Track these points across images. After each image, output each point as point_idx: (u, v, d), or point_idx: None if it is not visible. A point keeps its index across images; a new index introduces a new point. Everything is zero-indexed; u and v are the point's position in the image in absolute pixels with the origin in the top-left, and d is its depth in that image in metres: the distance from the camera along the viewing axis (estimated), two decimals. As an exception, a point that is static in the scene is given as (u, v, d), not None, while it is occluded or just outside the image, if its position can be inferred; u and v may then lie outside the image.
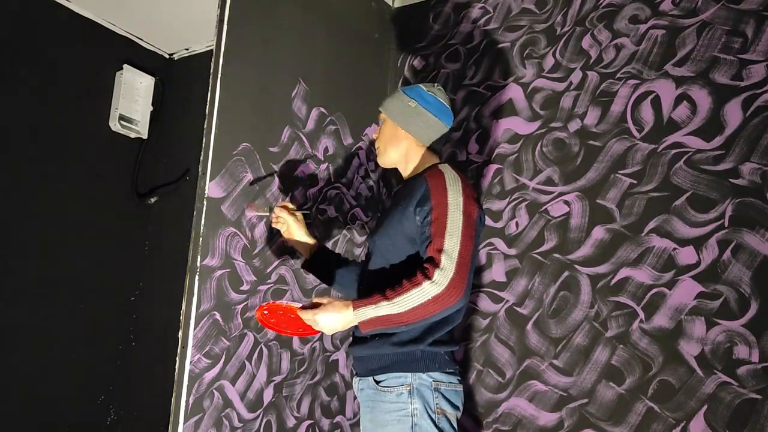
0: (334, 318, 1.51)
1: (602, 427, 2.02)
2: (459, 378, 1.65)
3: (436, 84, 1.78)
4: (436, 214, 1.51)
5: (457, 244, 1.47)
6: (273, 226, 1.93)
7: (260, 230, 2.07)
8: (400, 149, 1.75)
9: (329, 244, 2.36)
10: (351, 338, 1.71)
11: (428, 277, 1.44)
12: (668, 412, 1.93)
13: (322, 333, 1.63)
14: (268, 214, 1.99)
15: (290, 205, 1.92)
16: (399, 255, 1.61)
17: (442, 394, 1.56)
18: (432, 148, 1.76)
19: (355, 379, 1.69)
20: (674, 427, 1.91)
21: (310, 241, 1.91)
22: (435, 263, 1.45)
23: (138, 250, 3.00)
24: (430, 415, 1.53)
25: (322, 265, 1.92)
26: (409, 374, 1.55)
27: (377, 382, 1.58)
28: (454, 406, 1.59)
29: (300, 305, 1.56)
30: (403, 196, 1.65)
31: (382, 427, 1.55)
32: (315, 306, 1.54)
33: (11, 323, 2.45)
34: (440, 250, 1.46)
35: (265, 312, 1.60)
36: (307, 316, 1.53)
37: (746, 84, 1.99)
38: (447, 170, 1.62)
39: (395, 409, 1.54)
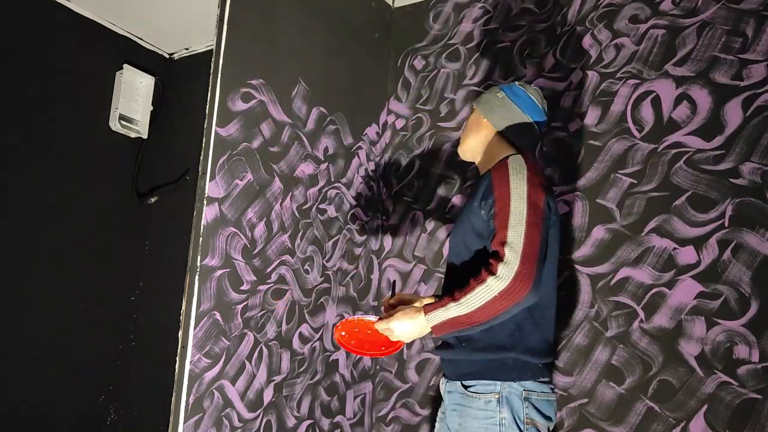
0: (409, 325, 1.46)
1: (602, 427, 2.02)
2: (552, 386, 1.59)
3: (534, 85, 1.73)
4: (499, 206, 1.44)
5: (521, 234, 1.39)
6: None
7: (260, 230, 2.08)
8: (479, 137, 1.69)
9: (329, 244, 2.36)
10: (440, 341, 1.65)
11: (492, 273, 1.37)
12: (668, 412, 1.93)
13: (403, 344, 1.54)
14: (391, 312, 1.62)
15: (388, 297, 1.76)
16: (470, 253, 1.55)
17: (533, 404, 1.50)
18: (513, 142, 1.67)
19: (442, 380, 1.66)
20: (674, 427, 1.91)
21: (419, 301, 1.75)
22: (499, 257, 1.39)
23: (138, 250, 3.00)
24: (518, 425, 1.47)
25: None
26: (499, 383, 1.49)
27: (465, 387, 1.53)
28: (545, 417, 1.52)
29: (375, 318, 1.50)
30: (472, 193, 1.61)
31: None
32: (390, 316, 1.49)
33: (11, 323, 2.45)
34: (503, 243, 1.39)
35: (343, 333, 1.53)
36: (382, 326, 1.49)
37: (746, 84, 1.99)
38: (514, 159, 1.53)
39: (483, 417, 1.48)
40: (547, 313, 1.55)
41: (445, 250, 2.41)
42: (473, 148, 1.72)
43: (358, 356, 2.46)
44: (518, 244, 1.38)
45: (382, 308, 1.73)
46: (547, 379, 1.56)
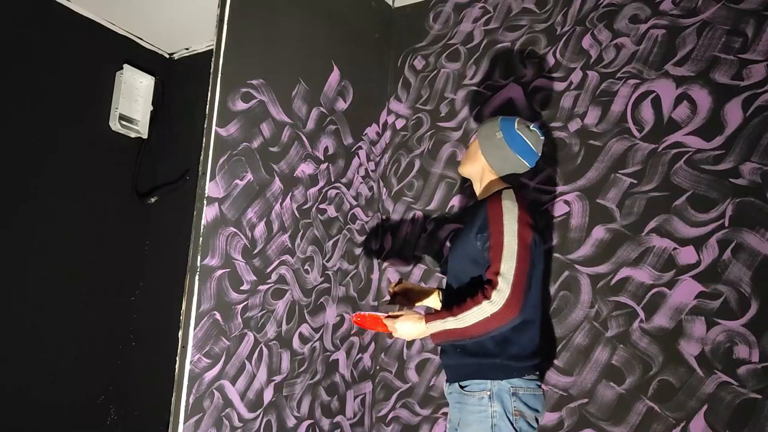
0: (410, 327, 1.73)
1: (602, 427, 2.02)
2: (539, 383, 1.78)
3: (533, 123, 1.90)
4: (494, 241, 1.68)
5: (512, 267, 1.64)
6: (400, 309, 1.99)
7: (260, 230, 2.07)
8: (476, 168, 1.92)
9: (329, 244, 2.36)
10: (440, 348, 1.89)
11: (486, 297, 1.62)
12: (668, 412, 1.93)
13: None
14: (399, 312, 1.91)
15: (393, 284, 2.05)
16: (466, 274, 1.79)
17: (520, 399, 1.71)
18: (505, 177, 1.91)
19: (446, 385, 1.87)
20: (674, 427, 1.91)
21: (435, 296, 2.08)
22: (493, 285, 1.63)
23: (138, 250, 3.00)
24: (508, 417, 1.69)
25: None
26: (489, 381, 1.71)
27: (462, 387, 1.75)
28: (532, 409, 1.73)
29: (385, 315, 1.80)
30: (470, 220, 1.83)
31: (467, 426, 1.72)
32: (396, 317, 1.78)
33: (12, 323, 2.45)
34: (497, 273, 1.64)
35: (357, 320, 1.87)
36: (389, 323, 1.77)
37: (746, 84, 1.99)
38: (507, 197, 1.75)
39: (478, 411, 1.70)
40: (532, 326, 1.76)
41: (445, 251, 2.42)
42: (470, 174, 1.95)
43: (358, 357, 2.48)
44: (510, 275, 1.63)
45: (387, 294, 2.07)
46: (533, 376, 1.76)
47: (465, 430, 1.73)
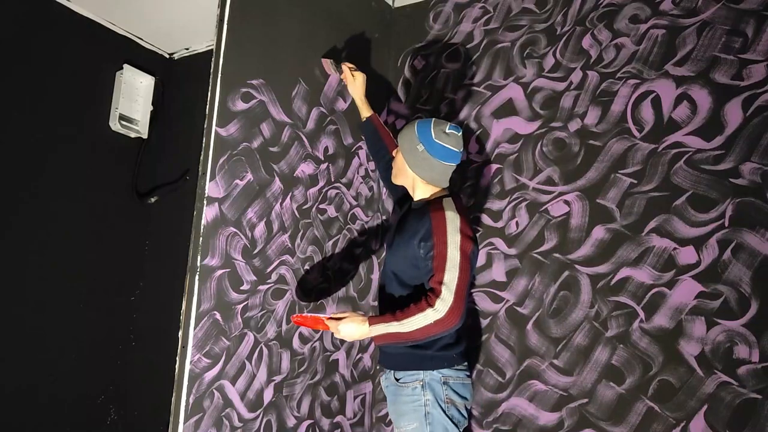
0: (353, 329, 1.80)
1: (602, 427, 2.02)
2: (467, 373, 1.92)
3: (449, 126, 1.90)
4: (437, 251, 1.76)
5: (455, 277, 1.73)
6: (342, 78, 2.35)
7: (260, 230, 2.07)
8: (408, 180, 1.99)
9: (329, 244, 2.36)
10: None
11: (431, 305, 1.72)
12: (668, 412, 1.93)
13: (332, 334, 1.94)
14: (336, 73, 2.35)
15: (354, 67, 2.32)
16: (406, 276, 1.89)
17: (451, 387, 1.84)
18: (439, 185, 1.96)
19: (382, 374, 2.00)
20: (674, 427, 1.91)
21: (368, 112, 2.32)
22: (436, 294, 1.73)
23: (138, 250, 3.00)
24: (440, 405, 1.82)
25: (368, 133, 2.34)
26: (422, 372, 1.84)
27: (397, 379, 1.89)
28: (462, 397, 1.86)
29: (327, 316, 1.88)
30: (410, 226, 1.89)
31: (402, 415, 1.86)
32: (340, 318, 1.84)
33: (12, 323, 2.45)
34: (441, 283, 1.73)
35: (298, 320, 1.93)
36: (331, 324, 1.84)
37: (746, 84, 1.99)
38: (449, 208, 1.82)
39: (411, 401, 1.84)
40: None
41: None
42: (404, 183, 2.01)
43: (358, 357, 2.48)
44: (453, 284, 1.72)
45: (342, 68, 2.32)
46: (462, 366, 1.90)
47: (400, 420, 1.86)
